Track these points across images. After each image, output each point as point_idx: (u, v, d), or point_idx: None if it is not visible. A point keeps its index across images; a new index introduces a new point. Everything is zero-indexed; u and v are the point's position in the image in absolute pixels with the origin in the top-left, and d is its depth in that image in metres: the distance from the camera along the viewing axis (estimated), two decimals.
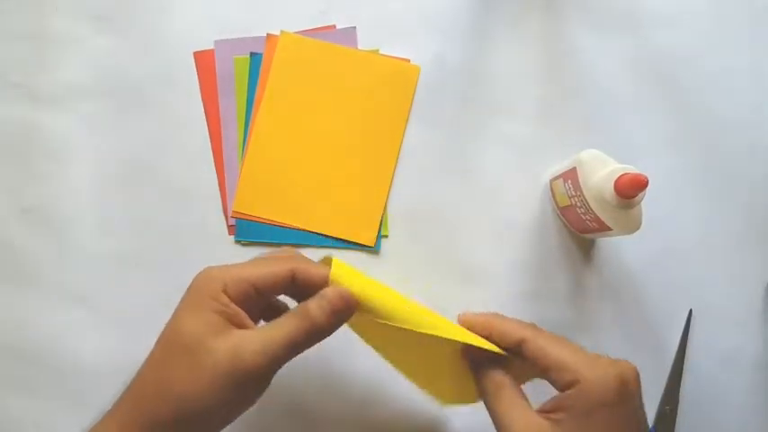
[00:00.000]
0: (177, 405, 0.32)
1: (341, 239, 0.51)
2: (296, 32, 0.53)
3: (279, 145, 0.52)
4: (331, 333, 0.35)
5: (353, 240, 0.51)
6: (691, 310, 0.51)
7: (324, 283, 0.35)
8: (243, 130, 0.52)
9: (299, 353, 0.34)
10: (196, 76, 0.52)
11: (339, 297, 0.34)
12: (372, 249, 0.51)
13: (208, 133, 0.52)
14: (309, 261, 0.37)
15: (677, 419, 0.49)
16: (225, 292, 0.34)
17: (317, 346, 0.37)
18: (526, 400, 0.36)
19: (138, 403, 0.33)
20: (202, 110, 0.52)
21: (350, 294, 0.35)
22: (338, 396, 0.49)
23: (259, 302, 0.36)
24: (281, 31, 0.53)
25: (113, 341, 0.49)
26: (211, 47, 0.53)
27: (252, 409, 0.49)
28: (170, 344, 0.34)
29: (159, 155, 0.52)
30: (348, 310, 0.35)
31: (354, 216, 0.51)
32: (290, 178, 0.51)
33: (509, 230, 0.52)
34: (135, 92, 0.52)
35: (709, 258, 0.52)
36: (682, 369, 0.50)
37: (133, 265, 0.50)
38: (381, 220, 0.51)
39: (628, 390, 0.33)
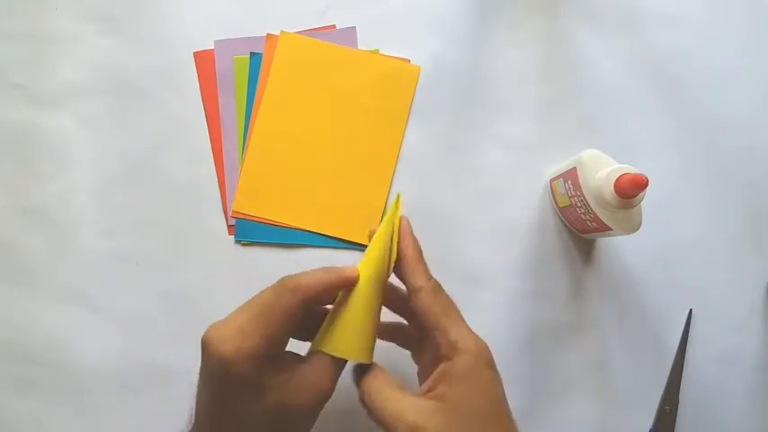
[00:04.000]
0: None
1: (341, 239, 0.51)
2: (296, 32, 0.53)
3: (279, 145, 0.52)
4: None
5: (353, 240, 0.51)
6: (691, 310, 0.51)
7: (325, 288, 0.36)
8: (243, 129, 0.52)
9: None
10: (196, 76, 0.52)
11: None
12: None
13: (208, 133, 0.52)
14: (304, 285, 0.35)
15: (677, 419, 0.49)
16: (243, 348, 0.32)
17: None
18: (404, 389, 0.35)
19: None
20: (202, 110, 0.52)
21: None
22: (341, 394, 0.49)
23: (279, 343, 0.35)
24: (281, 31, 0.53)
25: (113, 341, 0.49)
26: (211, 47, 0.53)
27: None
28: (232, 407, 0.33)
29: (159, 155, 0.52)
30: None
31: (354, 216, 0.51)
32: (290, 178, 0.52)
33: (509, 230, 0.52)
34: (135, 92, 0.52)
35: (709, 258, 0.52)
36: (682, 369, 0.50)
37: (133, 265, 0.50)
38: (381, 220, 0.51)
39: (492, 359, 0.36)
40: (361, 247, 0.51)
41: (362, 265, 0.38)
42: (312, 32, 0.53)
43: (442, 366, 0.35)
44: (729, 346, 0.51)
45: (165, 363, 0.49)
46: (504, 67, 0.53)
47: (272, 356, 0.34)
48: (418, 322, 0.37)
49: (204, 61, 0.53)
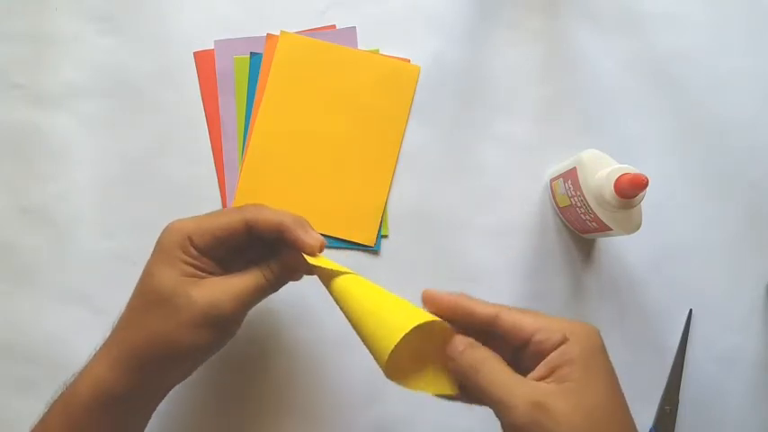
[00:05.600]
0: (162, 348, 0.37)
1: (341, 239, 0.51)
2: (296, 32, 0.53)
3: (279, 145, 0.52)
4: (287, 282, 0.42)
5: (353, 240, 0.51)
6: (691, 310, 0.51)
7: (275, 227, 0.39)
8: (243, 129, 0.52)
9: (263, 299, 0.40)
10: (196, 76, 0.52)
11: (293, 260, 0.40)
12: (372, 249, 0.51)
13: (208, 133, 0.52)
14: (261, 209, 0.40)
15: (677, 419, 0.49)
16: (192, 243, 0.38)
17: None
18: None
19: (126, 347, 0.38)
20: (202, 109, 0.52)
21: (302, 261, 0.39)
22: (340, 394, 0.49)
23: (222, 250, 0.40)
24: (281, 31, 0.53)
25: None
26: (211, 47, 0.53)
27: (252, 409, 0.49)
28: (151, 296, 0.38)
29: (159, 155, 0.52)
30: (300, 272, 0.41)
31: (354, 216, 0.51)
32: (289, 178, 0.52)
33: (509, 230, 0.52)
34: (135, 92, 0.52)
35: (709, 258, 0.52)
36: (682, 369, 0.50)
37: (133, 265, 0.50)
38: (381, 220, 0.51)
39: (603, 343, 0.34)
40: (361, 247, 0.51)
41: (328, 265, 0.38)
42: (312, 32, 0.53)
43: (558, 351, 0.32)
44: (729, 346, 0.51)
45: None
46: (504, 67, 0.53)
47: (207, 251, 0.39)
48: (511, 342, 0.34)
49: (204, 61, 0.53)
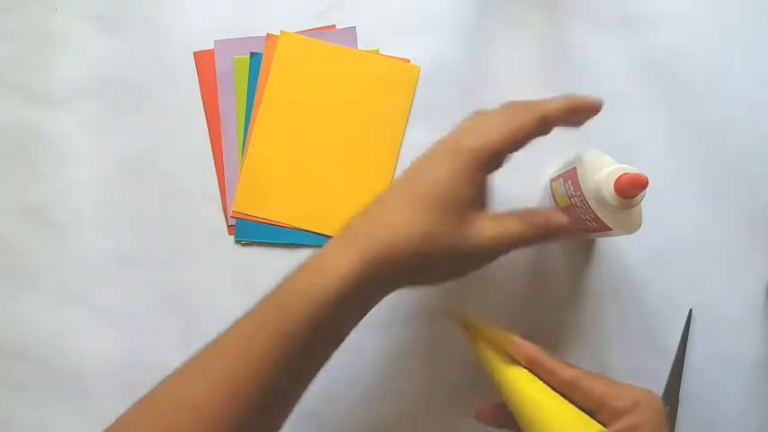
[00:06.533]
0: (412, 259, 0.36)
1: None
2: (296, 32, 0.53)
3: (279, 145, 0.52)
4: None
5: None
6: (691, 310, 0.51)
7: (564, 110, 0.41)
8: (243, 130, 0.52)
9: (512, 250, 0.39)
10: (196, 76, 0.52)
11: (558, 219, 0.41)
12: None
13: (208, 133, 0.52)
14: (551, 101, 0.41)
15: (677, 419, 0.49)
16: (485, 166, 0.38)
17: None
18: None
19: (373, 250, 0.36)
20: (202, 110, 0.52)
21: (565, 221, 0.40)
22: (343, 393, 0.49)
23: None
24: (281, 31, 0.53)
25: (113, 341, 0.49)
26: (211, 47, 0.53)
27: None
28: (445, 201, 0.37)
29: (159, 155, 0.52)
30: (563, 231, 0.41)
31: None
32: (290, 178, 0.52)
33: None
34: (135, 92, 0.52)
35: (709, 258, 0.52)
36: (682, 369, 0.50)
37: (133, 265, 0.50)
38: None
39: (663, 406, 0.39)
40: None
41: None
42: (312, 32, 0.53)
43: (628, 416, 0.37)
44: (729, 346, 0.51)
45: (165, 362, 0.49)
46: (505, 66, 0.53)
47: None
48: (585, 405, 0.38)
49: (204, 61, 0.53)
